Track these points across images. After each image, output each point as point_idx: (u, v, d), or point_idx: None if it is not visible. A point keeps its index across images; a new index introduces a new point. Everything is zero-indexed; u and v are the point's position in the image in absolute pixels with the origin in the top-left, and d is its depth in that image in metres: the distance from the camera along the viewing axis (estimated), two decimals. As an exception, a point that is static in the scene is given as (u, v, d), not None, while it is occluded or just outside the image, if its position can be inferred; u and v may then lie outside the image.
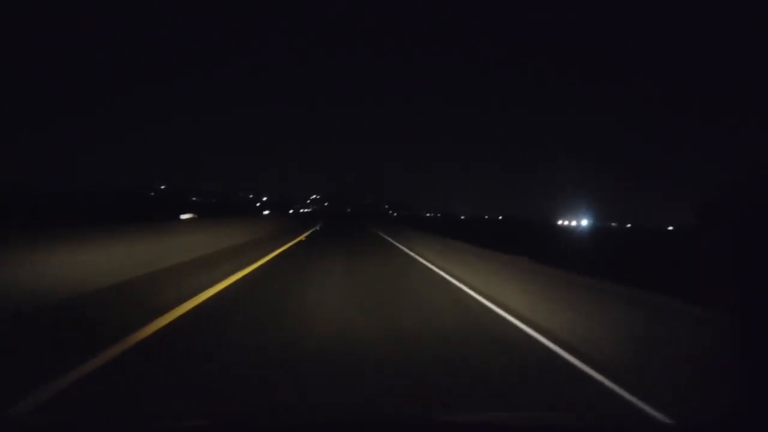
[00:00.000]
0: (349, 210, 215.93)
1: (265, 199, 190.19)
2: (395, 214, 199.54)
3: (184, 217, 25.95)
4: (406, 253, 16.34)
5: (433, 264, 12.81)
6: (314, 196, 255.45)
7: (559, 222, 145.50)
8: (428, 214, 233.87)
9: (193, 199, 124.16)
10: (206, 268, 9.92)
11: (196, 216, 28.24)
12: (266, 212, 69.47)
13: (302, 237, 21.91)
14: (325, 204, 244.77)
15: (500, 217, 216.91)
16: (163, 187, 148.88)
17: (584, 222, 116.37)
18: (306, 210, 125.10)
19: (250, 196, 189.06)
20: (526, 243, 28.35)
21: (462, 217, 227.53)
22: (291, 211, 79.66)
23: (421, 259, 14.12)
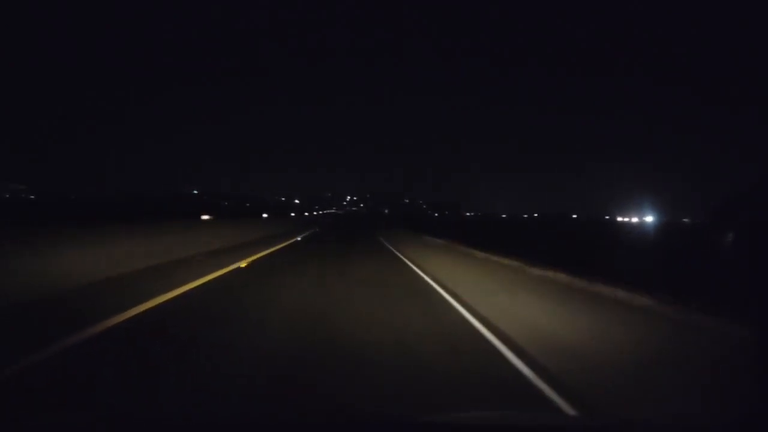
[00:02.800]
0: (386, 211, 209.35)
1: (297, 201, 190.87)
2: (436, 215, 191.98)
3: (264, 215, 53.17)
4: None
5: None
6: (349, 198, 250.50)
7: (619, 219, 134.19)
8: (468, 214, 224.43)
9: (225, 203, 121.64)
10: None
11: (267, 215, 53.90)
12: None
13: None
14: (361, 205, 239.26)
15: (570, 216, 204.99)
16: (195, 192, 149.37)
17: (649, 218, 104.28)
18: (319, 212, 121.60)
19: (282, 199, 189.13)
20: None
21: (503, 216, 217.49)
22: (293, 214, 76.12)
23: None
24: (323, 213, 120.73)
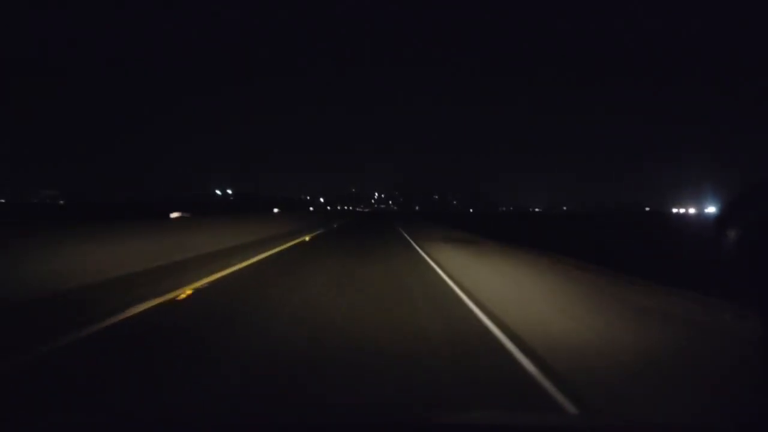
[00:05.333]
0: (417, 208, 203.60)
1: (322, 200, 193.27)
2: (471, 211, 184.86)
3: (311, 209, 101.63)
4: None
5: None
6: (377, 195, 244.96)
7: (674, 210, 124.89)
8: (503, 209, 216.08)
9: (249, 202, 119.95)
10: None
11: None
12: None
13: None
14: (390, 203, 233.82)
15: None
16: (229, 191, 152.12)
17: (711, 209, 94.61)
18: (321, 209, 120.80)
19: (308, 197, 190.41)
20: None
21: (537, 210, 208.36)
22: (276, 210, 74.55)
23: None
24: (339, 210, 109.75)
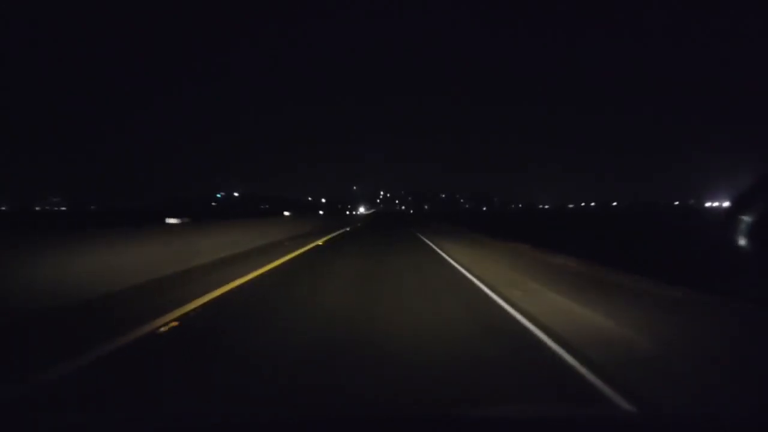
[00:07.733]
0: (426, 207, 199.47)
1: (324, 201, 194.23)
2: (484, 209, 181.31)
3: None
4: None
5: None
6: (383, 195, 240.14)
7: (708, 204, 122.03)
8: (513, 206, 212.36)
9: (265, 206, 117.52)
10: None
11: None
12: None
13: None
14: (396, 202, 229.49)
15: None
16: (236, 194, 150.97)
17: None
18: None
19: (309, 198, 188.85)
20: None
21: (546, 207, 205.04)
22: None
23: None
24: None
